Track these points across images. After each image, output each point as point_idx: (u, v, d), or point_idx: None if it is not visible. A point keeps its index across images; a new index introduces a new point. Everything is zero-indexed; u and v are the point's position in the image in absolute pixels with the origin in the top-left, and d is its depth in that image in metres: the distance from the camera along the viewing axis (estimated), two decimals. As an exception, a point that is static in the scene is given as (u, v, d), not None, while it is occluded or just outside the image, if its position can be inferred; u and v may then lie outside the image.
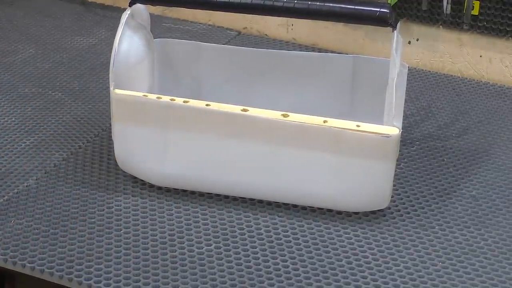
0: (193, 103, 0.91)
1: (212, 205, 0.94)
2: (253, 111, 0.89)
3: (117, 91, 0.93)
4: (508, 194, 0.97)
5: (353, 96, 1.05)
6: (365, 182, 0.88)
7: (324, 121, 0.88)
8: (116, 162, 0.98)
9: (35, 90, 1.23)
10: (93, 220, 0.91)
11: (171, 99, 0.91)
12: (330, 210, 0.93)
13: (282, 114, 0.89)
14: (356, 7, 0.90)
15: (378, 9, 0.89)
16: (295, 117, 0.88)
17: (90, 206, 0.94)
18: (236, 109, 0.89)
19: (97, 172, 1.01)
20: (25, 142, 1.08)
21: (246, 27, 1.50)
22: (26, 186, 0.98)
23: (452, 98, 1.24)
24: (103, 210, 0.93)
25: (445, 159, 1.06)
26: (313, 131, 0.88)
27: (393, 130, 0.86)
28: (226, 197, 0.95)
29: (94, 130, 1.11)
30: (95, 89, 1.24)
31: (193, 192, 0.96)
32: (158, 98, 0.91)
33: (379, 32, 1.36)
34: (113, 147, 0.98)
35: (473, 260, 0.85)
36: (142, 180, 0.98)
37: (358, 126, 0.87)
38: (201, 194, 0.96)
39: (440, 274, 0.83)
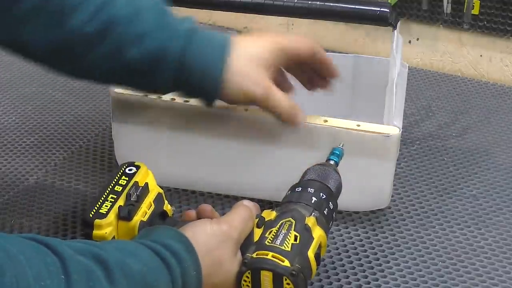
0: (194, 102, 0.91)
1: (212, 204, 0.94)
2: (254, 111, 0.89)
3: (118, 90, 0.93)
4: (508, 194, 0.97)
5: (354, 95, 1.05)
6: (366, 182, 0.88)
7: (325, 121, 0.88)
8: (117, 161, 0.98)
9: (35, 89, 1.23)
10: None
11: (172, 99, 0.91)
12: (330, 210, 0.93)
13: (282, 114, 0.88)
14: (356, 6, 0.90)
15: (379, 9, 0.89)
16: (296, 117, 0.88)
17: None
18: (236, 109, 0.89)
19: (98, 171, 1.01)
20: (25, 142, 1.08)
21: (246, 27, 1.50)
22: (27, 185, 0.98)
23: (452, 97, 1.24)
24: (104, 209, 0.93)
25: (445, 158, 1.06)
26: (314, 130, 0.88)
27: (394, 130, 0.86)
28: (226, 196, 0.95)
29: (95, 129, 1.11)
30: (96, 88, 1.24)
31: (193, 191, 0.96)
32: (158, 97, 0.91)
33: (379, 31, 1.36)
34: (114, 147, 0.98)
35: (474, 259, 0.85)
36: (143, 180, 0.98)
37: (358, 125, 0.87)
38: (202, 194, 0.96)
39: (441, 273, 0.83)
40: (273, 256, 0.69)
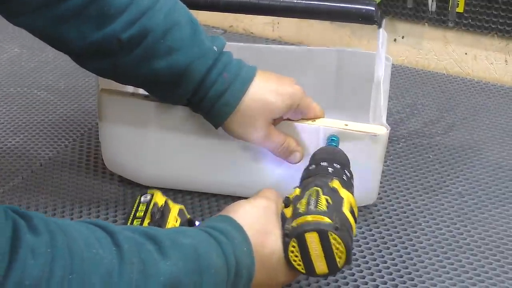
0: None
1: (200, 203, 0.94)
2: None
3: (104, 89, 0.93)
4: (493, 191, 0.98)
5: (338, 89, 1.05)
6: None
7: (312, 120, 0.88)
8: (103, 161, 0.98)
9: (20, 90, 1.23)
10: (80, 219, 0.91)
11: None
12: (317, 208, 0.93)
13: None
14: (341, 5, 0.89)
15: (364, 7, 0.89)
16: (283, 116, 0.88)
17: (77, 206, 0.93)
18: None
19: (83, 171, 1.00)
20: (10, 142, 1.07)
21: (232, 25, 1.50)
22: (13, 186, 0.97)
23: (437, 95, 1.25)
24: (90, 209, 0.93)
25: (430, 156, 1.06)
26: (301, 130, 0.88)
27: (381, 129, 0.87)
28: (214, 195, 0.95)
29: (80, 128, 1.11)
30: (81, 87, 1.23)
31: (180, 191, 0.96)
32: (145, 97, 0.91)
33: (365, 29, 1.36)
34: (100, 146, 0.98)
35: (460, 256, 0.85)
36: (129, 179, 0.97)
37: (346, 125, 0.87)
38: (189, 193, 0.96)
39: (427, 270, 0.83)
40: (312, 218, 0.69)
